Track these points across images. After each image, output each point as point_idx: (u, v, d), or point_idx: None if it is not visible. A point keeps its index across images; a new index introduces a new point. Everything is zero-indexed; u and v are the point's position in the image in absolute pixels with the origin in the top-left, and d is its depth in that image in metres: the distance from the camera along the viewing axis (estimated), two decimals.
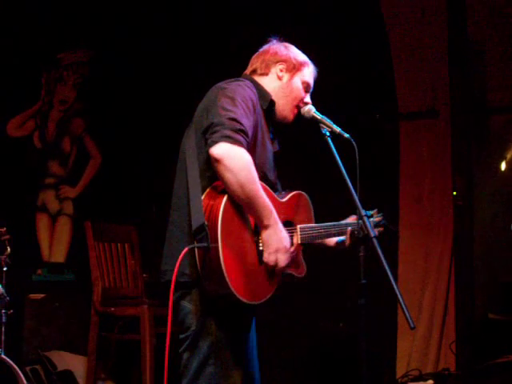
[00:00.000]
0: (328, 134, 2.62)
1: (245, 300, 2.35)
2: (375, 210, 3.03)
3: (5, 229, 4.07)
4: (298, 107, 2.75)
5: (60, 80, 6.09)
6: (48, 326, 5.21)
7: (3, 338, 3.85)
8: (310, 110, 2.72)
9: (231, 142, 2.32)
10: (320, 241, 2.83)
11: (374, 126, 5.32)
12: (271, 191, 2.57)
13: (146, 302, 4.39)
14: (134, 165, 5.92)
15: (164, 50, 5.87)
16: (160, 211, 5.63)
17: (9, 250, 4.06)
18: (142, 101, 5.89)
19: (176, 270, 2.32)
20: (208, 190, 2.42)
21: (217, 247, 2.29)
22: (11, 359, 3.77)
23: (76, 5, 5.84)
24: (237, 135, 2.34)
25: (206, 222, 2.31)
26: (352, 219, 2.89)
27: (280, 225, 2.45)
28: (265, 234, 2.42)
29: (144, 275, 4.91)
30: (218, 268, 2.28)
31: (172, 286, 2.35)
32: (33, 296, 5.20)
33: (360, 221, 2.39)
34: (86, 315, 4.64)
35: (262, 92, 2.66)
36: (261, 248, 2.45)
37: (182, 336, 2.47)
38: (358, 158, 2.49)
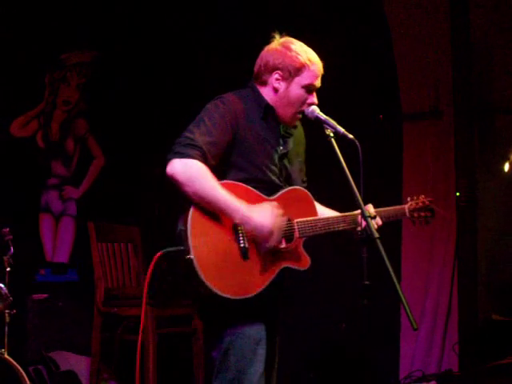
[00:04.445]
0: (332, 134, 2.62)
1: (230, 296, 2.44)
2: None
3: (8, 229, 4.07)
4: (302, 111, 2.72)
5: (63, 80, 6.09)
6: (51, 326, 5.21)
7: (6, 338, 3.85)
8: (313, 110, 2.70)
9: (180, 157, 2.46)
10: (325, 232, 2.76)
11: (377, 127, 5.31)
12: (254, 190, 2.59)
13: (149, 302, 4.38)
14: (137, 165, 5.92)
15: (167, 50, 5.87)
16: (163, 211, 5.63)
17: (12, 250, 4.06)
18: (145, 101, 5.89)
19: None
20: None
21: (189, 250, 2.40)
22: (14, 359, 3.77)
23: (80, 5, 5.84)
24: (186, 149, 2.46)
25: (182, 228, 2.45)
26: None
27: (253, 214, 2.49)
28: (244, 228, 2.49)
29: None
30: (193, 270, 2.40)
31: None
32: (36, 296, 5.20)
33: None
34: (89, 315, 4.64)
35: (258, 100, 2.69)
36: (241, 245, 2.49)
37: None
38: (361, 158, 2.49)
